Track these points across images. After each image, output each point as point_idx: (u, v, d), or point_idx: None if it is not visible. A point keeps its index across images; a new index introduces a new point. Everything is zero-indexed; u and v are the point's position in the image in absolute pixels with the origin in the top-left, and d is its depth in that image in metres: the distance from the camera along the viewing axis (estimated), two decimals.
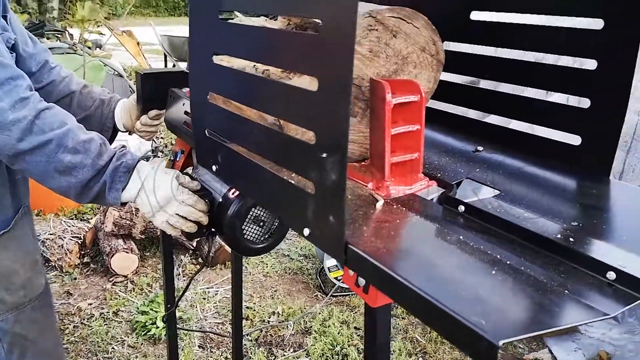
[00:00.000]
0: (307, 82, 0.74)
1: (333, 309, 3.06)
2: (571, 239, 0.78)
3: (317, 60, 0.69)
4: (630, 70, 0.91)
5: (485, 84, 1.27)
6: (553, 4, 1.01)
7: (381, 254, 0.71)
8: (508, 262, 0.72)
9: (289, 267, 3.51)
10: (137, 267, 3.31)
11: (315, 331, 2.88)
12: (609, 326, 2.95)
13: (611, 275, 0.68)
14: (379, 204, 0.92)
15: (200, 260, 3.48)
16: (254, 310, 3.06)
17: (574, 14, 0.97)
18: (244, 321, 2.90)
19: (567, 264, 0.73)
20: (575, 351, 2.87)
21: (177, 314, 2.91)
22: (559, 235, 0.79)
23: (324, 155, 0.70)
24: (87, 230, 3.47)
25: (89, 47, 4.97)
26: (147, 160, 3.85)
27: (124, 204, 1.24)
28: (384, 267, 0.66)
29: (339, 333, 2.85)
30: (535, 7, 1.04)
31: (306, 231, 0.78)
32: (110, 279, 3.27)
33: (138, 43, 4.80)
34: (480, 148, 1.16)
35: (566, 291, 0.66)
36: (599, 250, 0.75)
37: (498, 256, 0.74)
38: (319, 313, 3.03)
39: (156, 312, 2.85)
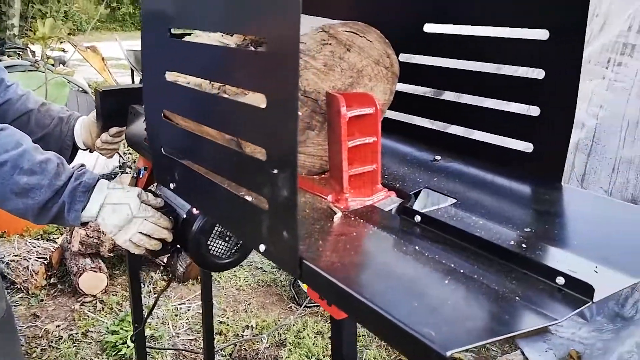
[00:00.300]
0: (260, 99, 0.74)
1: (307, 319, 3.05)
2: (523, 246, 0.80)
3: (264, 77, 0.70)
4: (576, 78, 0.94)
5: (445, 95, 1.29)
6: (500, 16, 1.04)
7: (335, 268, 0.71)
8: (462, 271, 0.73)
9: (262, 280, 3.49)
10: (106, 286, 3.24)
11: (290, 343, 2.86)
12: (578, 325, 3.00)
13: (560, 280, 0.70)
14: (337, 217, 0.92)
15: (172, 276, 3.43)
16: (228, 324, 3.03)
17: (520, 25, 0.99)
18: (217, 336, 2.87)
19: (519, 270, 0.74)
20: (546, 352, 2.91)
21: (149, 332, 2.86)
22: (511, 242, 0.81)
23: (275, 171, 0.70)
24: (54, 250, 3.39)
25: (52, 64, 4.88)
26: (115, 177, 3.77)
27: (84, 224, 1.22)
28: (337, 281, 0.66)
29: (313, 344, 2.84)
30: (484, 19, 1.07)
31: (262, 247, 0.78)
32: (79, 299, 3.19)
33: (103, 58, 4.73)
34: (438, 157, 1.18)
35: (517, 298, 0.67)
36: (550, 256, 0.77)
37: (452, 265, 0.75)
38: (294, 324, 3.01)
39: (127, 331, 2.80)
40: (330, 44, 0.99)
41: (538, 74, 1.01)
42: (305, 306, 3.15)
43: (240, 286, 3.42)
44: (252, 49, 1.06)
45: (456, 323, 0.59)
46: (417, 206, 0.99)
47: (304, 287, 3.17)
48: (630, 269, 0.74)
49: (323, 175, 1.13)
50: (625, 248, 0.81)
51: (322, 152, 1.11)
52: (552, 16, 0.95)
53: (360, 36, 1.02)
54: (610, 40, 3.13)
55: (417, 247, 0.80)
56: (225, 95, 0.97)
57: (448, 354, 0.52)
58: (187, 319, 3.09)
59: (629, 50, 3.09)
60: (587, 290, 0.67)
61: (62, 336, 2.89)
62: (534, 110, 1.03)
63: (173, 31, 0.97)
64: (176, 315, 3.11)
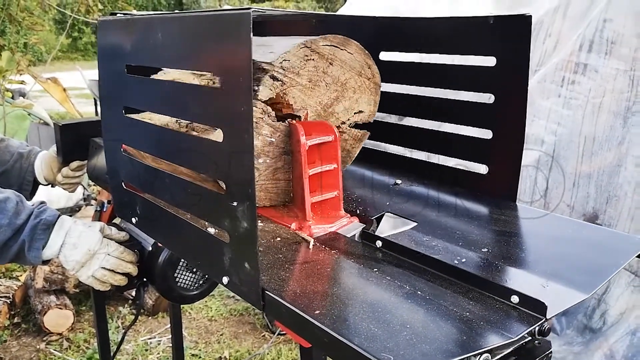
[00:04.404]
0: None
1: (281, 347, 3.02)
2: (480, 266, 0.82)
3: (218, 112, 0.71)
4: (523, 101, 0.98)
5: (404, 120, 1.32)
6: (450, 44, 1.08)
7: (297, 297, 0.71)
8: (421, 294, 0.75)
9: (235, 309, 3.44)
10: (73, 323, 3.14)
11: None
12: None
13: (515, 299, 0.72)
14: (310, 245, 0.93)
15: (138, 310, 3.35)
16: (200, 357, 2.97)
17: (469, 52, 1.04)
18: None
19: (476, 290, 0.76)
20: None
21: None
22: (469, 263, 0.83)
23: (235, 203, 0.71)
24: (17, 288, 3.28)
25: (11, 97, 4.78)
26: (79, 210, 3.65)
27: (46, 262, 1.20)
28: (298, 310, 0.67)
29: None
30: (435, 47, 1.11)
31: (225, 280, 0.78)
32: (44, 339, 3.09)
33: (64, 89, 4.66)
34: (399, 181, 1.21)
35: (474, 318, 0.69)
36: (505, 275, 0.79)
37: (412, 288, 0.76)
38: (268, 353, 2.97)
39: None
40: (313, 59, 1.01)
41: (489, 98, 1.06)
42: (279, 334, 3.12)
43: (212, 316, 3.37)
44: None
45: (413, 347, 0.61)
46: (378, 231, 1.01)
47: None
48: (582, 285, 0.76)
49: (288, 204, 1.14)
50: (577, 265, 0.84)
51: None
52: (498, 43, 0.99)
53: (341, 49, 1.04)
54: (564, 59, 3.25)
55: (378, 272, 0.82)
56: (195, 133, 0.97)
57: None
58: (158, 353, 3.01)
59: (581, 69, 3.21)
60: (540, 307, 0.70)
61: None
62: (487, 134, 1.06)
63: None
64: (146, 350, 3.03)
